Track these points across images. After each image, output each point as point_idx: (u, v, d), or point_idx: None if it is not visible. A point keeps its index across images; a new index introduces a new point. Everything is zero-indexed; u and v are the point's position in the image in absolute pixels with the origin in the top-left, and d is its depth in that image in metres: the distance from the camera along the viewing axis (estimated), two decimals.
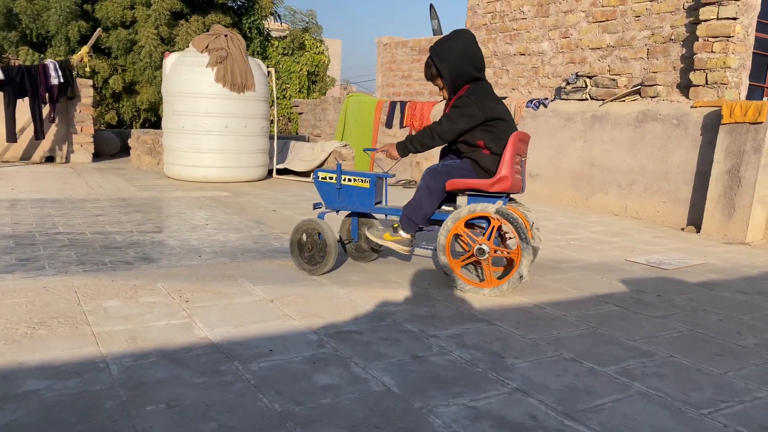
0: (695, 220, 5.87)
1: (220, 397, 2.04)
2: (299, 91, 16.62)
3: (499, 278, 3.49)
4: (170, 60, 7.82)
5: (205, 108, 7.54)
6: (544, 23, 7.97)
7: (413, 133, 9.33)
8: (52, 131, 9.05)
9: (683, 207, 6.02)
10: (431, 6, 12.09)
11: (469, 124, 3.43)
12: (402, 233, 3.58)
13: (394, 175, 4.11)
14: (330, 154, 8.75)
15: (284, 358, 2.40)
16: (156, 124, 12.18)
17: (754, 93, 6.47)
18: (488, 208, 3.32)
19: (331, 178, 3.76)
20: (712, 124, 5.73)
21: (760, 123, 5.25)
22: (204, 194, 6.80)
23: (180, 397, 2.03)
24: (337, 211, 3.91)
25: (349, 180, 3.71)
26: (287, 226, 5.13)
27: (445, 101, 3.69)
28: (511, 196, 3.71)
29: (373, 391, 2.16)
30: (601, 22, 7.28)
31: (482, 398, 2.15)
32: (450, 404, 2.09)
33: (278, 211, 5.95)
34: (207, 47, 7.62)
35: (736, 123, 5.41)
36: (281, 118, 14.47)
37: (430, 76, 3.62)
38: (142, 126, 12.67)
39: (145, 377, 2.16)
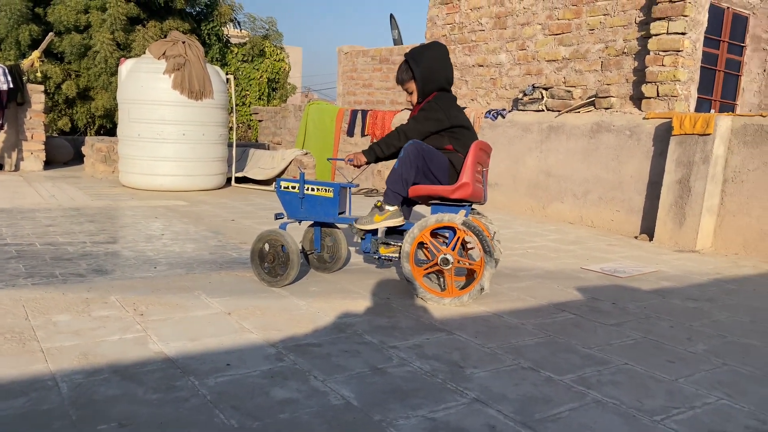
0: (648, 229, 6.03)
1: (174, 414, 1.99)
2: (259, 99, 16.47)
3: (461, 288, 3.51)
4: (126, 66, 7.67)
5: (162, 115, 7.41)
6: (501, 35, 8.10)
7: (374, 141, 9.36)
8: (0, 138, 8.76)
9: (636, 216, 6.18)
10: (391, 16, 12.17)
11: (435, 127, 3.55)
12: (388, 207, 3.53)
13: (358, 185, 4.10)
14: (290, 163, 8.69)
15: (241, 372, 2.37)
16: (111, 132, 11.91)
17: (702, 105, 6.69)
18: (455, 218, 3.35)
19: (293, 188, 3.73)
20: (663, 136, 5.90)
21: (709, 135, 5.43)
22: (160, 203, 6.67)
23: (133, 414, 1.98)
24: (300, 221, 3.88)
25: (313, 189, 3.69)
26: (246, 236, 5.07)
27: (411, 108, 3.75)
28: (474, 206, 3.75)
29: (332, 404, 2.14)
30: (557, 34, 7.44)
31: (441, 409, 2.15)
32: (409, 416, 2.09)
33: (236, 221, 5.87)
34: (164, 54, 7.49)
35: (685, 134, 5.59)
36: (240, 125, 14.33)
37: (401, 80, 3.70)
38: (97, 133, 12.37)
39: (96, 395, 2.10)
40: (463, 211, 3.44)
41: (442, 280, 3.78)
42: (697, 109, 6.57)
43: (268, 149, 10.85)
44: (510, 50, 8.00)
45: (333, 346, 2.72)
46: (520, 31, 7.87)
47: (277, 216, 3.88)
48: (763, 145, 5.27)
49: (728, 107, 6.91)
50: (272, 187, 8.48)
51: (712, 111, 6.73)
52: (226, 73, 8.60)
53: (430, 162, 3.48)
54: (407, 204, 3.69)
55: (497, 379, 2.44)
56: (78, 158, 10.47)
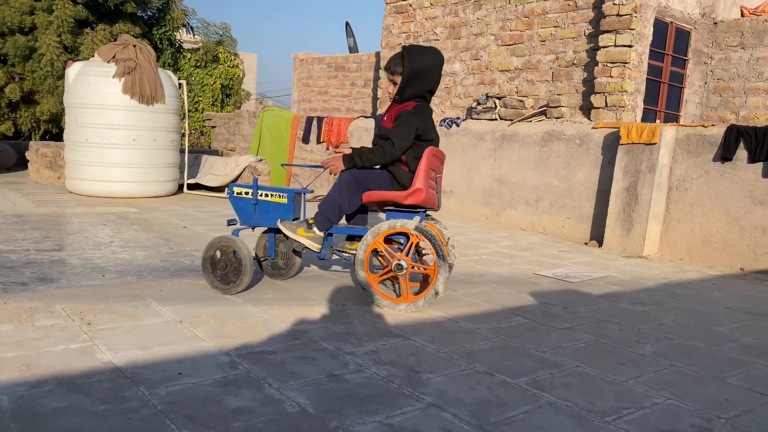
0: (597, 235, 6.19)
1: (123, 426, 1.93)
2: (212, 105, 16.23)
3: (416, 294, 3.53)
4: (74, 69, 7.45)
5: (112, 120, 7.22)
6: (456, 45, 8.21)
7: (331, 149, 9.33)
8: None
9: (586, 222, 6.33)
10: (347, 24, 12.19)
11: (411, 142, 3.49)
12: (316, 230, 3.55)
13: (312, 191, 4.06)
14: (245, 169, 8.59)
15: (194, 381, 2.31)
16: (57, 137, 11.54)
17: (648, 116, 6.92)
18: (408, 224, 3.36)
19: (247, 194, 3.68)
20: (611, 144, 6.07)
21: (654, 144, 5.62)
22: (109, 210, 6.49)
23: (79, 427, 1.91)
24: (253, 228, 3.83)
25: (266, 195, 3.64)
26: (198, 244, 4.97)
27: (390, 101, 3.64)
28: (428, 212, 3.76)
29: (287, 412, 2.11)
30: (509, 45, 7.58)
31: (398, 414, 2.15)
32: (366, 422, 2.08)
33: (189, 228, 5.76)
34: (114, 57, 7.31)
35: (633, 144, 5.77)
36: (193, 131, 14.09)
37: (391, 69, 3.57)
38: (43, 138, 11.96)
39: (39, 407, 2.01)
40: (417, 218, 3.46)
41: (397, 286, 3.79)
42: (644, 119, 6.79)
43: (222, 156, 10.70)
44: (464, 60, 8.11)
45: (288, 353, 2.69)
46: (473, 42, 8.00)
47: (230, 222, 3.82)
48: (705, 155, 5.48)
49: (672, 118, 7.17)
50: (225, 194, 8.36)
51: (658, 121, 6.96)
52: (179, 78, 8.45)
53: (367, 182, 3.49)
54: (362, 211, 3.68)
55: (453, 384, 2.46)
56: (21, 164, 10.10)
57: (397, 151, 3.46)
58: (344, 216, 3.70)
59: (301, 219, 3.80)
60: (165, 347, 2.65)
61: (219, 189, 8.63)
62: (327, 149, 9.44)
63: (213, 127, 12.81)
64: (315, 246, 3.57)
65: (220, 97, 16.67)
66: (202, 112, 14.78)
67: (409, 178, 3.52)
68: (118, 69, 7.21)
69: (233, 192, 3.71)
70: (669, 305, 3.98)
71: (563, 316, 3.58)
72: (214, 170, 8.88)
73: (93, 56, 7.73)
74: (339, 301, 3.57)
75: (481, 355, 2.81)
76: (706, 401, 2.44)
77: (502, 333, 3.17)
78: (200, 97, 16.27)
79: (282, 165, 4.10)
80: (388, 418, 2.12)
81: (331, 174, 3.63)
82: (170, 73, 7.95)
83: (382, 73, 3.21)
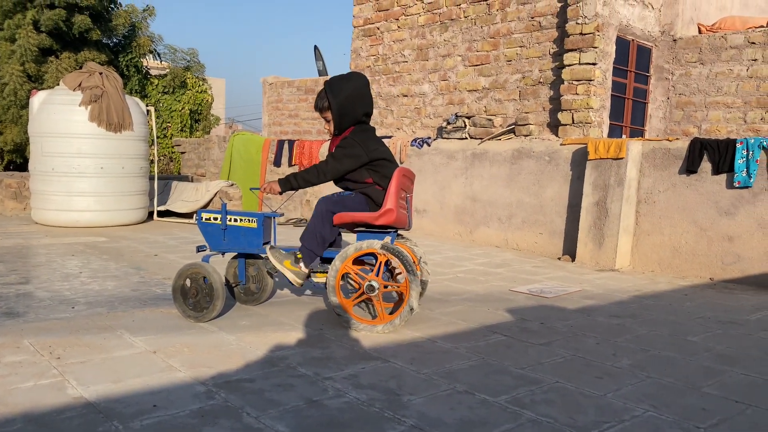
0: (570, 250, 6.25)
1: None
2: (181, 130, 16.11)
3: (391, 313, 3.51)
4: (38, 98, 7.33)
5: (78, 148, 7.11)
6: (424, 66, 8.31)
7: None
8: None
9: (558, 238, 6.40)
10: (315, 48, 12.26)
11: (353, 164, 3.53)
12: (302, 266, 3.53)
13: (282, 214, 4.04)
14: (215, 195, 8.51)
15: (170, 413, 2.26)
16: (22, 167, 11.33)
17: (614, 131, 7.07)
18: (374, 244, 3.35)
19: (215, 219, 3.64)
20: (580, 160, 6.17)
21: (621, 158, 5.73)
22: (77, 240, 6.36)
23: None
24: (223, 254, 3.79)
25: (235, 220, 3.61)
26: (170, 271, 4.89)
27: (331, 137, 3.74)
28: (399, 232, 3.77)
29: None
30: (476, 65, 7.70)
31: None
32: None
33: (160, 256, 5.66)
34: (80, 85, 7.22)
35: (601, 159, 5.87)
36: (162, 158, 13.95)
37: (320, 108, 3.65)
38: (6, 169, 11.72)
39: None
40: (388, 238, 3.45)
41: (372, 307, 3.78)
42: (610, 135, 6.92)
43: (192, 181, 10.59)
44: (432, 81, 8.20)
45: (266, 380, 2.64)
46: (441, 63, 8.10)
47: (199, 248, 3.77)
48: (671, 168, 5.61)
49: (638, 132, 7.33)
50: (195, 220, 8.26)
51: (624, 136, 7.11)
52: (147, 105, 8.37)
53: (345, 208, 3.50)
54: (337, 234, 3.67)
55: (434, 405, 2.44)
56: None
57: (330, 170, 3.50)
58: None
59: (272, 243, 3.77)
60: (138, 379, 2.59)
61: (190, 215, 8.53)
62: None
63: (182, 152, 12.69)
64: (297, 281, 3.56)
65: (189, 122, 16.56)
66: (170, 138, 14.65)
67: (383, 196, 3.54)
68: (84, 97, 7.12)
69: (202, 218, 3.66)
70: (643, 317, 4.02)
71: (540, 331, 3.59)
72: (184, 196, 8.78)
73: (58, 85, 7.63)
74: (315, 326, 3.53)
75: (460, 375, 2.80)
76: (684, 412, 2.46)
77: (481, 351, 3.17)
78: (168, 123, 16.14)
79: (251, 189, 4.08)
80: None
81: (272, 194, 3.62)
82: (138, 99, 7.88)
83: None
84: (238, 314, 3.72)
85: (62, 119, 7.11)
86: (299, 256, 3.57)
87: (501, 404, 2.47)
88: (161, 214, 8.44)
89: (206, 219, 3.64)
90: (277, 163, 9.74)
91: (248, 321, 3.58)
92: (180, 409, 2.30)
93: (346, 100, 3.54)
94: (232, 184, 8.66)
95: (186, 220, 8.27)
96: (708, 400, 2.61)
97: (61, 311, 3.64)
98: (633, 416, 2.40)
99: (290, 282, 3.58)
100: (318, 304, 4.07)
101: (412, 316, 3.46)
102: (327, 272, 3.56)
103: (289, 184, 3.58)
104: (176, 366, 2.76)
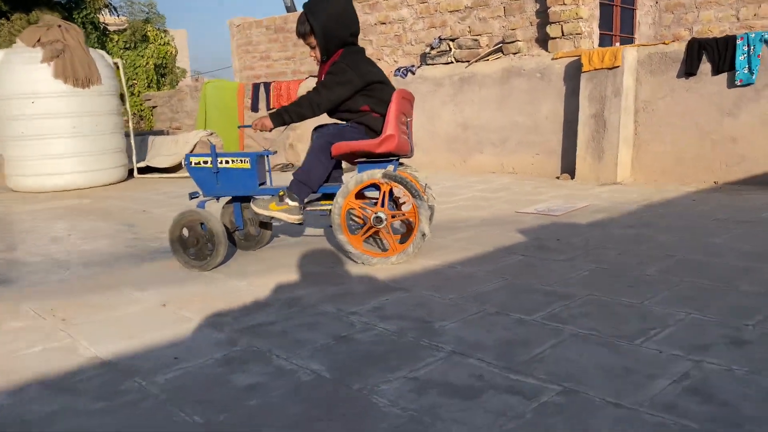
0: (568, 167, 6.12)
1: (128, 421, 1.73)
2: (148, 86, 15.53)
3: (401, 243, 3.36)
4: None
5: (47, 109, 6.73)
6: None
7: None
8: None
9: (555, 156, 6.26)
10: None
11: (348, 91, 3.26)
12: (289, 201, 3.29)
13: (275, 152, 3.78)
14: (195, 146, 8.20)
15: (193, 363, 2.11)
16: None
17: (604, 41, 6.83)
18: (375, 173, 3.17)
19: (206, 162, 3.41)
20: (573, 74, 5.96)
21: (617, 67, 5.53)
22: (61, 204, 6.09)
23: (80, 429, 1.69)
24: (218, 198, 3.58)
25: (227, 162, 3.38)
26: (162, 226, 4.67)
27: (318, 64, 3.46)
28: (401, 160, 3.57)
29: (303, 381, 1.94)
30: None
31: (421, 367, 2.00)
32: (390, 380, 1.92)
33: (148, 211, 5.44)
34: (39, 41, 6.79)
35: (595, 70, 5.67)
36: (132, 116, 13.48)
37: (302, 34, 3.33)
38: None
39: (29, 415, 1.79)
40: (391, 167, 3.27)
41: (380, 241, 3.63)
42: (601, 45, 6.69)
43: (169, 135, 10.23)
44: (411, 4, 7.84)
45: (287, 321, 2.50)
46: None
47: (192, 195, 3.56)
48: (668, 73, 5.43)
49: (627, 41, 7.10)
50: (179, 174, 7.98)
51: (617, 44, 6.88)
52: (112, 58, 7.93)
53: (341, 137, 3.26)
54: (335, 166, 3.45)
55: (468, 329, 2.32)
56: None
57: (323, 101, 3.23)
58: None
59: (268, 183, 3.57)
60: (153, 333, 2.43)
61: (172, 169, 8.24)
62: None
63: (153, 107, 12.24)
64: (294, 218, 3.31)
65: (155, 77, 15.96)
66: (138, 95, 14.13)
67: (382, 124, 3.32)
68: (45, 53, 6.70)
69: (191, 163, 3.43)
70: (658, 224, 3.93)
71: (558, 248, 3.48)
72: (163, 150, 8.45)
73: (15, 43, 7.16)
74: (326, 264, 3.38)
75: (488, 297, 2.68)
76: (727, 311, 2.37)
77: (503, 272, 3.05)
78: (134, 80, 15.54)
79: (239, 127, 3.84)
80: (412, 372, 1.97)
81: (264, 130, 3.34)
82: (102, 52, 7.46)
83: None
84: (243, 260, 3.56)
85: (25, 79, 6.70)
86: (281, 194, 3.33)
87: (538, 321, 2.36)
88: (141, 171, 8.14)
89: (196, 163, 3.41)
90: (254, 108, 9.39)
91: (256, 266, 3.42)
92: (203, 358, 2.15)
93: (329, 20, 3.23)
94: (211, 133, 8.35)
95: (168, 175, 8.00)
96: (749, 297, 2.52)
97: (55, 274, 3.44)
98: (677, 320, 2.30)
99: (288, 222, 3.35)
100: (322, 243, 3.91)
101: (425, 242, 3.32)
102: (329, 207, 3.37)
103: (281, 118, 3.28)
104: (190, 316, 2.61)
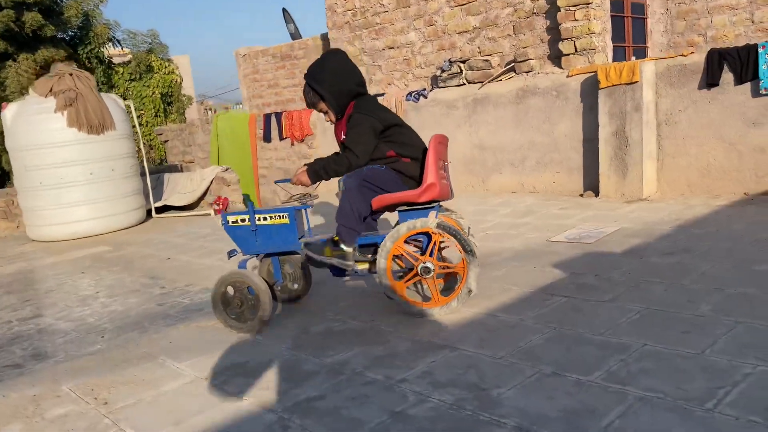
0: (591, 185, 6.03)
1: None
2: (156, 116, 15.55)
3: (442, 291, 3.29)
4: (10, 111, 6.90)
5: (63, 158, 6.74)
6: (407, 13, 7.87)
7: (296, 144, 8.95)
8: None
9: (577, 174, 6.16)
10: (284, 10, 11.68)
11: (374, 137, 3.30)
12: (344, 247, 3.28)
13: (312, 206, 3.68)
14: (212, 182, 8.18)
15: None
16: (0, 179, 10.88)
17: (617, 53, 6.74)
18: (428, 222, 3.11)
19: (243, 221, 3.36)
20: (590, 90, 5.88)
21: (636, 82, 5.44)
22: (81, 253, 6.07)
23: None
24: (258, 256, 3.52)
25: (265, 218, 3.33)
26: (190, 277, 4.63)
27: (333, 124, 3.49)
28: (441, 204, 3.50)
29: None
30: (462, 5, 7.28)
31: None
32: None
33: (173, 258, 5.40)
34: (51, 90, 6.80)
35: (613, 86, 5.58)
36: (143, 144, 13.50)
37: (312, 103, 3.46)
38: None
39: None
40: (433, 213, 3.20)
41: (421, 287, 3.57)
42: (614, 59, 6.60)
43: (182, 170, 10.23)
44: (418, 28, 7.79)
45: (337, 394, 2.43)
46: (425, 7, 7.67)
47: (231, 254, 3.51)
48: (689, 84, 5.33)
49: (640, 50, 7.00)
50: (197, 212, 7.96)
51: (633, 58, 6.79)
52: (124, 99, 7.94)
53: (376, 182, 3.24)
54: (372, 215, 3.40)
55: (527, 397, 2.24)
56: None
57: (361, 157, 3.27)
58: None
59: (308, 236, 3.52)
60: (200, 416, 2.37)
61: (189, 207, 8.22)
62: (292, 144, 9.07)
63: (165, 141, 12.25)
64: (348, 263, 3.29)
65: (162, 106, 16.00)
66: (146, 126, 14.15)
67: (414, 168, 3.30)
68: (58, 102, 6.70)
69: (228, 222, 3.38)
70: (698, 250, 3.82)
71: (599, 285, 3.39)
72: (179, 188, 8.44)
73: (22, 88, 7.17)
74: (366, 318, 3.30)
75: (540, 353, 2.59)
76: None
77: (549, 319, 2.96)
78: (142, 110, 15.58)
79: (276, 182, 3.80)
80: None
81: (296, 184, 3.42)
82: (115, 96, 7.48)
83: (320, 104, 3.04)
84: (281, 316, 3.49)
85: (40, 129, 6.71)
86: (336, 238, 3.32)
87: (599, 384, 2.27)
88: (159, 210, 8.13)
89: (233, 222, 3.36)
90: (267, 138, 9.37)
91: (292, 322, 3.36)
92: None
93: (333, 80, 3.33)
94: (227, 169, 8.31)
95: (186, 213, 7.98)
96: None
97: (91, 343, 3.40)
98: (744, 374, 2.21)
99: (343, 268, 3.31)
100: (359, 291, 3.84)
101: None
102: (366, 260, 3.32)
103: (318, 176, 3.33)
104: (234, 392, 2.54)
